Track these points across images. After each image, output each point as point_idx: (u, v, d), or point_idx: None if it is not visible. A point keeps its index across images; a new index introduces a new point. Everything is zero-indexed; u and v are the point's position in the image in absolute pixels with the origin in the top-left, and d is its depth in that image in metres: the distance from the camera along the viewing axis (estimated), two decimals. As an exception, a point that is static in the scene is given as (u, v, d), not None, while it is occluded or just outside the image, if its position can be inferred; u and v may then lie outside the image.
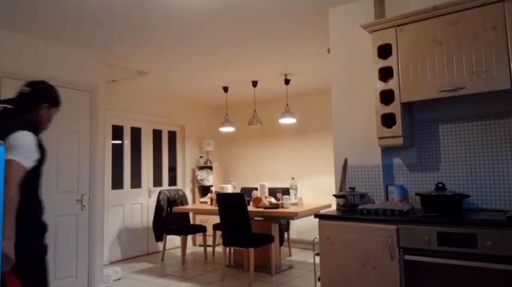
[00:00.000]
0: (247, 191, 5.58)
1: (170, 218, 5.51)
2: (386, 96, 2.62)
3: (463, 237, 2.07)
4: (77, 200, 3.86)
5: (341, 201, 2.83)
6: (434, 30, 2.45)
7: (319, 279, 2.59)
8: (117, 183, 5.67)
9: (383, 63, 2.63)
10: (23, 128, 1.90)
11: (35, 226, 1.98)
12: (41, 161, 1.99)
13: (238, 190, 6.20)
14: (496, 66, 2.24)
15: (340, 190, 3.00)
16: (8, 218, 1.69)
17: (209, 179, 6.71)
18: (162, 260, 5.49)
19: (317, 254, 2.64)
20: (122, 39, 3.76)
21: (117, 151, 5.74)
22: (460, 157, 2.65)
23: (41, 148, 2.00)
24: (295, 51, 4.21)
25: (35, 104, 2.10)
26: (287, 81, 5.36)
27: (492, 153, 2.55)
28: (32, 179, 1.94)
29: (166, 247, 5.80)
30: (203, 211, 5.08)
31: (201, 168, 6.89)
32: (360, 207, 2.57)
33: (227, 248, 4.96)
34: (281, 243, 5.33)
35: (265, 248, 4.78)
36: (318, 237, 2.60)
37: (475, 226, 2.06)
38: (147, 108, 6.15)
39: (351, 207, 2.75)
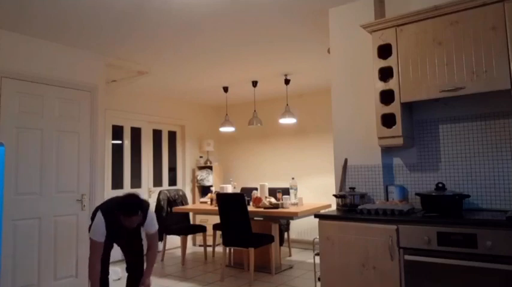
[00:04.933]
0: (247, 191, 5.59)
1: (170, 218, 5.51)
2: (386, 96, 2.62)
3: (463, 237, 2.08)
4: (77, 200, 3.87)
5: (341, 201, 2.83)
6: (435, 30, 2.45)
7: (319, 279, 2.59)
8: (117, 183, 5.67)
9: (383, 63, 2.63)
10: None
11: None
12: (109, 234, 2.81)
13: (238, 190, 6.20)
14: (496, 66, 2.24)
15: (340, 190, 3.00)
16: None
17: (209, 179, 6.71)
18: (162, 260, 5.49)
19: (317, 254, 2.65)
20: (122, 39, 3.76)
21: (117, 150, 5.74)
22: (460, 157, 2.65)
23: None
24: (295, 51, 4.21)
25: None
26: (287, 81, 5.36)
27: (492, 153, 2.55)
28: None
29: (166, 247, 5.81)
30: (203, 211, 5.07)
31: (201, 168, 6.89)
32: (360, 207, 2.57)
33: (227, 248, 4.96)
34: (281, 243, 5.33)
35: (265, 248, 4.78)
36: (318, 237, 2.60)
37: (475, 226, 2.06)
38: (147, 108, 6.15)
39: (351, 207, 2.75)
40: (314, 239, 2.95)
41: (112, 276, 4.41)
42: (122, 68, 4.59)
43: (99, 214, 2.79)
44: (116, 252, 5.53)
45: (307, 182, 6.18)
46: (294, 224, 6.08)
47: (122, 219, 2.69)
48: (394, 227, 2.30)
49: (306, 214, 4.45)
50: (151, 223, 2.94)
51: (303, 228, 6.08)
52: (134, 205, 2.69)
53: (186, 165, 6.78)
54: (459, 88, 2.34)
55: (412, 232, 2.24)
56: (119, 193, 5.66)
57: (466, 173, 2.62)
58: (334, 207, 5.33)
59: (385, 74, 2.64)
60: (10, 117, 3.44)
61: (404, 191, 2.82)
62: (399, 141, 2.56)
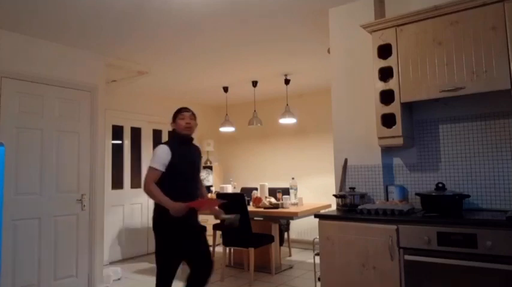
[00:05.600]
0: (247, 191, 5.58)
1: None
2: (387, 96, 2.62)
3: (463, 237, 2.08)
4: (77, 200, 3.86)
5: (341, 201, 2.83)
6: (435, 30, 2.45)
7: (319, 279, 2.59)
8: (117, 183, 5.67)
9: (383, 63, 2.63)
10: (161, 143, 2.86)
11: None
12: (173, 163, 2.75)
13: (238, 190, 6.20)
14: (496, 66, 2.24)
15: (340, 190, 3.00)
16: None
17: (209, 179, 6.70)
18: (162, 260, 5.48)
19: (317, 254, 2.64)
20: (122, 40, 3.76)
21: (117, 150, 5.73)
22: (460, 157, 2.65)
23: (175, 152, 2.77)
24: (295, 51, 4.21)
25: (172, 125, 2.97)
26: (287, 81, 5.36)
27: (492, 153, 2.55)
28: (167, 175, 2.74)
29: (166, 247, 5.80)
30: (203, 211, 5.05)
31: (201, 168, 6.88)
32: (360, 207, 2.57)
33: (227, 248, 4.95)
34: (281, 243, 5.33)
35: (265, 248, 4.78)
36: (318, 237, 2.60)
37: (475, 226, 2.06)
38: (147, 108, 6.14)
39: (351, 207, 2.75)
40: (314, 239, 2.95)
41: (112, 276, 4.41)
42: (122, 68, 4.58)
43: (162, 145, 2.83)
44: (116, 252, 5.53)
45: (307, 182, 6.18)
46: (294, 224, 6.08)
47: (180, 122, 2.88)
48: (394, 227, 2.30)
49: (306, 214, 4.45)
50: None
51: (303, 228, 6.08)
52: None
53: (186, 165, 6.77)
54: (459, 88, 2.34)
55: (412, 232, 2.24)
56: (119, 192, 5.68)
57: (466, 173, 2.62)
58: (334, 207, 5.31)
59: (385, 74, 2.64)
60: (10, 117, 3.44)
61: (404, 191, 2.82)
62: (399, 141, 2.56)
